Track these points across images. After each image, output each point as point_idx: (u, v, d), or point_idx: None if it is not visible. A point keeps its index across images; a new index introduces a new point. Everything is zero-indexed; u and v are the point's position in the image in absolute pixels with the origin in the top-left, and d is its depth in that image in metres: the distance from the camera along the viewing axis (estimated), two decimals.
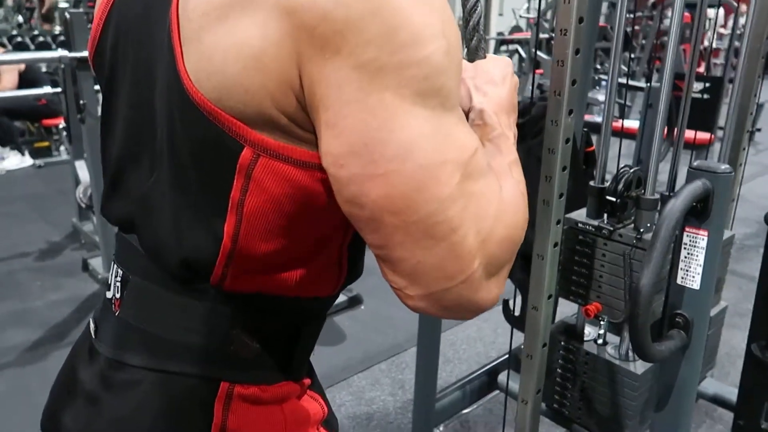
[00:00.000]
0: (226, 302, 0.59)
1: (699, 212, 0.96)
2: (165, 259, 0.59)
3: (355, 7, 0.46)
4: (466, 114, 0.67)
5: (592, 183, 1.31)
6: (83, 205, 3.39)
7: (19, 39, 7.22)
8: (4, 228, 3.84)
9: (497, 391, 1.86)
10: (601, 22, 7.80)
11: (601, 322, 1.41)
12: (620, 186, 1.18)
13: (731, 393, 1.67)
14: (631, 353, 1.32)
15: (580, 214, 1.32)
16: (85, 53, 2.74)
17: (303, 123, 0.51)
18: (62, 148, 5.52)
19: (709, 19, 7.45)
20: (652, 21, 7.12)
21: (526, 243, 1.34)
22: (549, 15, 8.58)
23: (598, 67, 7.02)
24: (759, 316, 1.38)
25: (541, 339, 1.32)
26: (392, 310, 2.83)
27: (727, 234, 1.63)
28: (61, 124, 5.05)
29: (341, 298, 2.86)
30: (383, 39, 0.46)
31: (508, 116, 0.69)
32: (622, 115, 2.00)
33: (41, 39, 7.41)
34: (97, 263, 3.11)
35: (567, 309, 1.58)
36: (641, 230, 1.17)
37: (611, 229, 1.22)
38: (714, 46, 7.87)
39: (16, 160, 5.16)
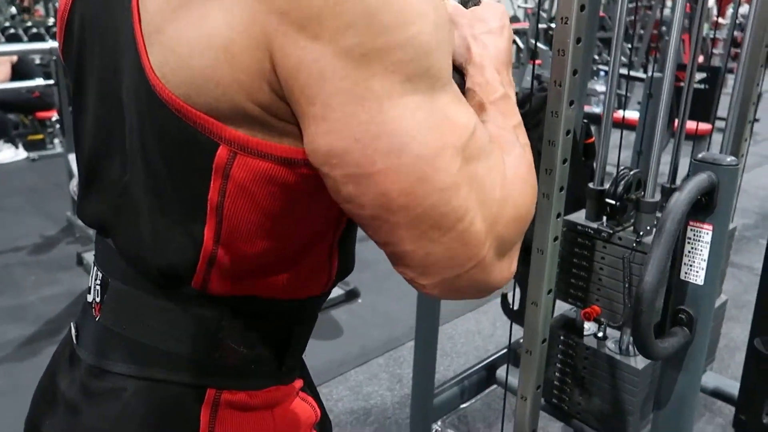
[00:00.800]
0: (210, 306, 0.56)
1: (704, 206, 0.93)
2: (143, 264, 0.56)
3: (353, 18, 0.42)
4: (464, 68, 0.62)
5: (591, 185, 1.28)
6: (77, 198, 3.36)
7: (12, 31, 7.15)
8: (5, 222, 3.81)
9: (496, 386, 1.85)
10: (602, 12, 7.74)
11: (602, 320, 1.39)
12: (620, 188, 1.16)
13: (731, 386, 1.65)
14: (631, 348, 1.30)
15: (579, 216, 1.30)
16: None
17: (283, 115, 0.47)
18: (56, 140, 5.47)
19: (709, 9, 7.41)
20: (651, 11, 7.08)
21: (526, 236, 1.32)
22: (547, 5, 8.52)
23: (596, 57, 6.98)
24: (762, 311, 1.37)
25: (541, 335, 1.30)
26: (390, 304, 2.81)
27: (732, 224, 1.60)
28: (55, 116, 5.01)
29: (338, 291, 2.84)
30: (364, 21, 0.43)
31: (508, 71, 0.65)
32: (622, 106, 1.98)
33: (35, 30, 7.35)
34: (91, 257, 3.07)
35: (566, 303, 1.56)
36: (641, 233, 1.15)
37: (610, 231, 1.19)
38: (713, 36, 7.83)
39: (9, 153, 5.11)
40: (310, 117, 0.45)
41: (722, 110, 1.75)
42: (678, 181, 1.21)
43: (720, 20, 8.44)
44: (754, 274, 2.91)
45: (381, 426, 2.09)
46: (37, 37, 7.17)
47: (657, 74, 2.03)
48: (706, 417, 2.12)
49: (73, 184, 3.37)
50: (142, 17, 0.50)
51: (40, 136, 5.56)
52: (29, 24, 8.01)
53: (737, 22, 7.01)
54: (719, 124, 1.76)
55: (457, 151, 0.46)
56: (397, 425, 2.09)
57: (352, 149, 0.44)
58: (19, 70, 4.96)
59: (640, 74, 5.05)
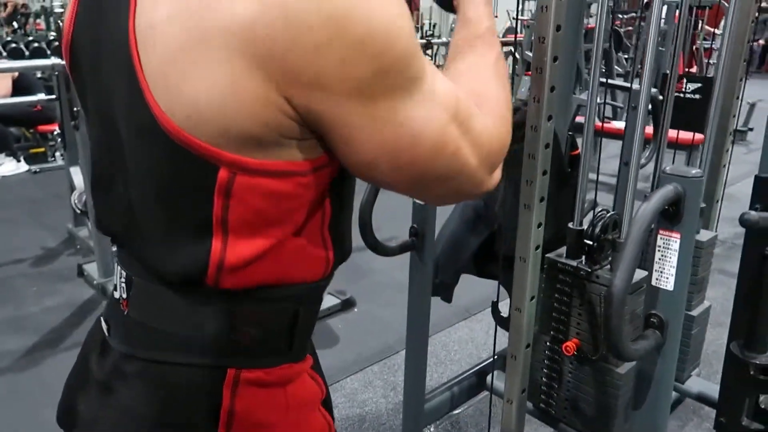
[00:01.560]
0: (223, 298, 0.62)
1: (671, 215, 0.98)
2: (158, 270, 0.62)
3: (319, 32, 0.48)
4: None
5: (570, 225, 1.32)
6: (78, 211, 3.40)
7: (13, 45, 7.23)
8: (5, 233, 3.86)
9: (486, 392, 1.89)
10: (593, 23, 7.79)
11: None
12: (597, 230, 1.21)
13: (716, 391, 1.70)
14: None
15: (560, 254, 1.34)
16: None
17: (290, 133, 0.54)
18: (57, 153, 5.53)
19: (702, 20, 7.49)
20: (644, 21, 7.15)
21: (511, 246, 1.36)
22: None
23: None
24: (737, 316, 1.41)
25: (525, 340, 1.35)
26: (385, 312, 2.85)
27: (709, 235, 1.66)
28: (56, 130, 5.07)
29: (334, 300, 2.89)
30: (357, 57, 0.50)
31: (490, 4, 0.75)
32: (616, 117, 2.02)
33: (36, 45, 7.42)
34: (92, 268, 3.13)
35: None
36: (592, 268, 1.20)
37: (588, 270, 1.24)
38: (708, 46, 7.91)
39: (11, 166, 5.17)
40: (337, 141, 0.56)
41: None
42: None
43: (715, 31, 8.54)
44: None
45: None
46: (39, 52, 7.25)
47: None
48: (693, 422, 2.16)
49: (74, 197, 3.42)
50: (141, 54, 0.54)
51: (42, 149, 5.63)
52: (31, 38, 8.12)
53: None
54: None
55: (453, 121, 0.58)
56: (391, 431, 2.13)
57: (379, 157, 0.56)
58: (21, 84, 5.03)
59: (623, 83, 5.12)
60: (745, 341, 1.40)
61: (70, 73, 0.70)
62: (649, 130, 3.13)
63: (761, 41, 12.34)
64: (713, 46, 8.25)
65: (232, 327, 0.62)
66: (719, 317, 2.41)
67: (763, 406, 1.30)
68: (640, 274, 1.12)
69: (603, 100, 2.46)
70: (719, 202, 1.98)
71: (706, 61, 6.86)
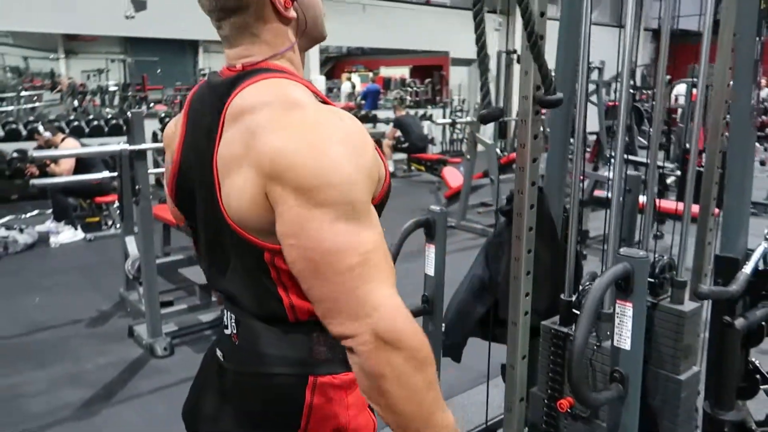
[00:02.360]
0: (302, 328, 0.90)
1: (624, 288, 1.23)
2: (255, 314, 0.93)
3: (300, 172, 0.78)
4: None
5: (562, 296, 1.58)
6: (131, 277, 3.76)
7: (75, 123, 7.94)
8: (59, 296, 4.24)
9: None
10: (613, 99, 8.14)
11: None
12: (578, 302, 1.46)
13: None
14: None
15: (554, 321, 1.58)
16: (143, 146, 3.18)
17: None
18: (111, 222, 6.00)
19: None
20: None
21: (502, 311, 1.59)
22: None
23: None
24: (709, 379, 1.61)
25: (519, 393, 1.57)
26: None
27: (692, 305, 1.87)
28: (115, 203, 5.55)
29: None
30: (314, 189, 0.78)
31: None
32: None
33: (95, 123, 8.13)
34: (142, 330, 3.44)
35: None
36: (601, 339, 1.43)
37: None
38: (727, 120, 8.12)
39: (69, 234, 5.64)
40: (280, 225, 0.80)
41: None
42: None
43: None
44: None
45: None
46: (97, 130, 7.94)
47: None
48: None
49: (128, 264, 3.79)
50: (218, 170, 0.87)
51: (97, 219, 6.11)
52: (91, 116, 8.86)
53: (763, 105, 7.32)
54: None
55: (358, 255, 0.77)
56: None
57: (307, 262, 0.79)
58: (82, 160, 5.57)
59: (640, 159, 5.36)
60: (715, 400, 1.60)
61: (175, 190, 1.02)
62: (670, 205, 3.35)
63: None
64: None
65: (310, 347, 0.90)
66: None
67: None
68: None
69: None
70: (707, 276, 2.18)
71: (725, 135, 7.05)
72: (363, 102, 12.53)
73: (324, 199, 0.77)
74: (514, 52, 11.46)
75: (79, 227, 5.77)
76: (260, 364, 0.92)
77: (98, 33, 10.13)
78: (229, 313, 0.98)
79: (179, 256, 4.00)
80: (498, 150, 6.08)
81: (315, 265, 0.78)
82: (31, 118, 8.41)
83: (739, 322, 1.52)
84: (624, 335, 1.25)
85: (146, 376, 3.10)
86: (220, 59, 11.77)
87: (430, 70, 14.00)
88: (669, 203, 1.99)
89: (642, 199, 2.10)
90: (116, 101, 12.84)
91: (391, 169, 9.57)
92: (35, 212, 6.55)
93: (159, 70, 13.43)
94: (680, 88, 7.94)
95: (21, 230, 5.37)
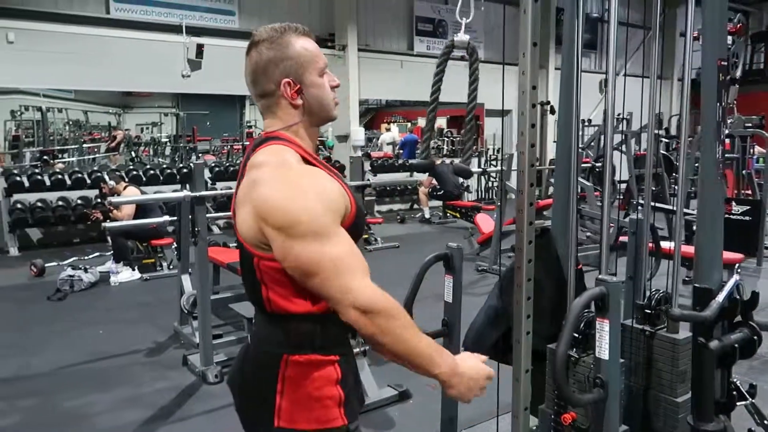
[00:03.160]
0: (278, 318, 1.26)
1: (601, 308, 1.50)
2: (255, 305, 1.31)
3: (278, 215, 1.16)
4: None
5: (564, 322, 1.84)
6: (186, 311, 4.14)
7: (134, 172, 8.58)
8: (119, 330, 4.65)
9: None
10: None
11: None
12: (582, 326, 1.73)
13: None
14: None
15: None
16: (203, 193, 3.61)
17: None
18: (164, 264, 6.48)
19: (753, 146, 7.86)
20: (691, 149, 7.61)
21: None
22: (594, 143, 9.24)
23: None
24: (692, 395, 1.83)
25: (522, 404, 1.83)
26: (438, 405, 3.28)
27: (686, 334, 2.10)
28: (173, 245, 6.04)
29: (392, 392, 3.36)
30: (287, 227, 1.15)
31: (450, 370, 1.24)
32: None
33: (151, 172, 8.76)
34: (195, 359, 3.79)
35: None
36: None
37: (577, 357, 1.75)
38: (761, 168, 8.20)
39: (127, 274, 6.12)
40: (276, 254, 1.19)
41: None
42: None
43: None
44: None
45: None
46: (154, 178, 8.55)
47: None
48: None
49: (184, 299, 4.18)
50: (236, 202, 1.27)
51: (152, 260, 6.60)
52: (148, 166, 9.52)
53: None
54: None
55: (332, 261, 1.15)
56: None
57: (294, 269, 1.18)
58: (142, 207, 6.10)
59: (667, 206, 5.54)
60: (696, 413, 1.82)
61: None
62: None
63: None
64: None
65: (287, 333, 1.25)
66: None
67: None
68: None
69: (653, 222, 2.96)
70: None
71: (757, 181, 7.14)
72: (401, 151, 12.99)
73: (296, 232, 1.15)
74: (548, 102, 11.81)
75: (136, 268, 6.25)
76: (258, 342, 1.32)
77: (155, 90, 10.90)
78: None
79: (227, 293, 4.37)
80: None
81: (304, 273, 1.17)
82: (95, 168, 9.09)
83: (714, 344, 1.75)
84: (603, 347, 1.52)
85: (199, 400, 3.43)
86: None
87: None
88: (665, 244, 2.24)
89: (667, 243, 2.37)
90: (167, 151, 13.69)
91: (426, 215, 9.90)
92: (96, 254, 7.09)
93: (208, 123, 14.24)
94: None
95: (85, 270, 5.87)
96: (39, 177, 7.99)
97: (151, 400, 3.42)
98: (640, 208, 2.27)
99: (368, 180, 4.15)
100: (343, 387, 1.28)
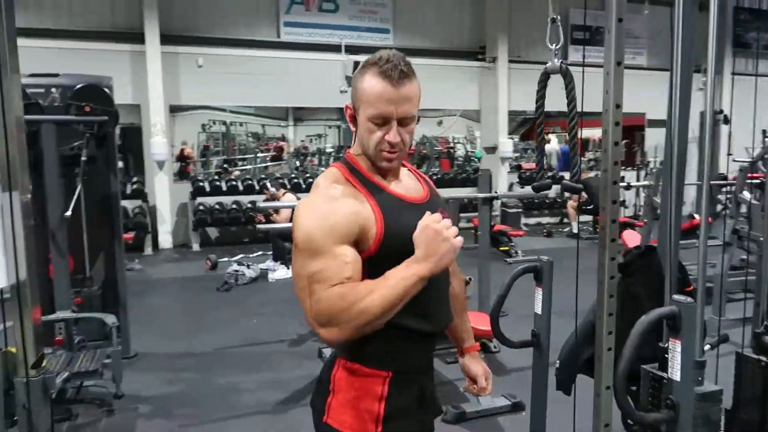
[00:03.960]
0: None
1: (674, 327, 1.49)
2: None
3: (293, 229, 1.28)
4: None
5: (660, 344, 1.81)
6: None
7: (295, 180, 9.43)
8: (270, 321, 5.22)
9: None
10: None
11: None
12: None
13: None
14: None
15: (654, 366, 1.81)
16: None
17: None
18: None
19: None
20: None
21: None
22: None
23: None
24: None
25: (603, 419, 1.84)
26: (552, 416, 3.27)
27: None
28: None
29: (505, 402, 3.41)
30: (295, 241, 1.26)
31: (416, 265, 1.23)
32: None
33: (310, 180, 9.57)
34: (327, 351, 4.16)
35: None
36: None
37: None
38: None
39: (283, 272, 6.79)
40: None
41: None
42: None
43: None
44: None
45: None
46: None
47: None
48: None
49: None
50: None
51: None
52: (307, 174, 10.39)
53: None
54: None
55: (305, 279, 1.22)
56: None
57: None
58: None
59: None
60: None
61: None
62: None
63: None
64: None
65: (345, 342, 1.27)
66: None
67: None
68: None
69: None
70: None
71: None
72: (554, 164, 12.66)
73: (299, 249, 1.25)
74: (721, 112, 10.77)
75: (290, 267, 6.90)
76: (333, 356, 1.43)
77: (316, 105, 11.81)
78: None
79: None
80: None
81: (295, 285, 1.26)
82: (264, 176, 10.15)
83: None
84: (675, 368, 1.51)
85: None
86: (424, 124, 12.73)
87: (632, 131, 13.62)
88: None
89: None
90: (331, 161, 14.72)
91: (575, 230, 9.55)
92: (259, 253, 7.95)
93: None
94: None
95: (248, 266, 6.64)
96: (218, 183, 9.15)
97: (288, 384, 3.84)
98: None
99: (496, 192, 4.23)
100: (386, 405, 1.30)
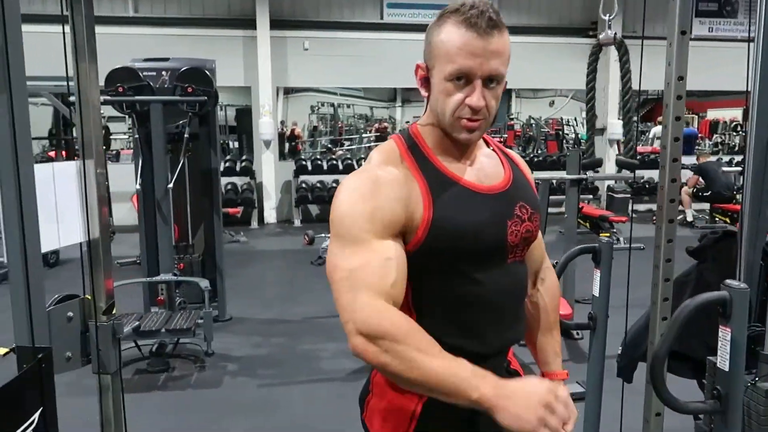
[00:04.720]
0: None
1: (724, 314, 1.39)
2: None
3: (332, 209, 1.07)
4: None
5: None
6: None
7: (332, 162, 9.58)
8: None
9: None
10: None
11: None
12: None
13: None
14: None
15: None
16: None
17: None
18: None
19: None
20: None
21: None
22: None
23: None
24: None
25: (654, 409, 1.76)
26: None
27: None
28: None
29: (578, 389, 3.30)
30: (331, 223, 1.06)
31: (490, 391, 0.91)
32: None
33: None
34: None
35: None
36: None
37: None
38: None
39: None
40: None
41: None
42: None
43: None
44: None
45: None
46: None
47: None
48: None
49: None
50: None
51: None
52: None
53: None
54: None
55: (345, 272, 1.00)
56: None
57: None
58: None
59: None
60: None
61: None
62: None
63: None
64: None
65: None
66: None
67: None
68: None
69: None
70: None
71: None
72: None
73: (333, 231, 1.06)
74: None
75: None
76: None
77: (412, 85, 11.75)
78: None
79: None
80: None
81: (327, 274, 1.05)
82: (363, 156, 10.40)
83: None
84: (723, 357, 1.41)
85: None
86: (530, 104, 12.46)
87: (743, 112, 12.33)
88: None
89: None
90: None
91: (689, 218, 8.87)
92: None
93: None
94: None
95: None
96: (319, 162, 9.50)
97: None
98: None
99: (585, 175, 4.06)
100: (417, 427, 1.12)
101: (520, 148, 13.24)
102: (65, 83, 1.51)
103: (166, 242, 4.09)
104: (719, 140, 13.46)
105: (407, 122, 16.35)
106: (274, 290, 5.67)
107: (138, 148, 4.29)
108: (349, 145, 14.10)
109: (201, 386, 3.55)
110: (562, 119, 14.78)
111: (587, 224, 7.72)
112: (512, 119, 15.55)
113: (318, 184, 9.25)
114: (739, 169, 9.22)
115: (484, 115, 1.07)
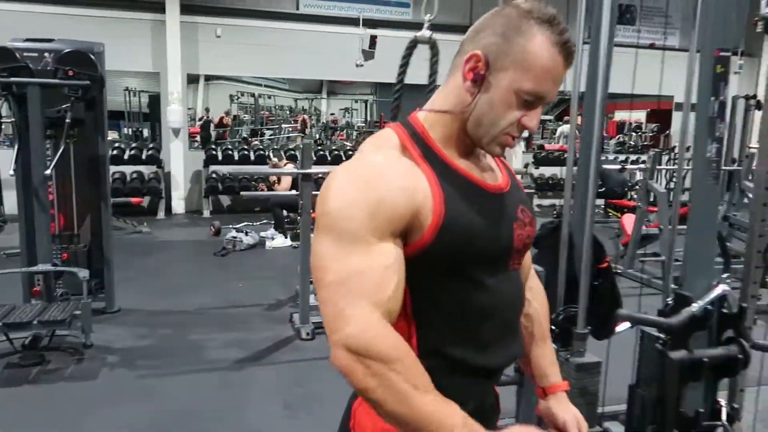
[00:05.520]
0: None
1: None
2: None
3: (318, 201, 0.93)
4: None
5: None
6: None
7: (321, 153, 9.52)
8: (255, 286, 5.39)
9: None
10: None
11: None
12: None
13: None
14: None
15: None
16: (310, 170, 4.05)
17: None
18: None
19: None
20: None
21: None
22: None
23: None
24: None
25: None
26: None
27: None
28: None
29: None
30: (318, 215, 0.91)
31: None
32: None
33: (336, 153, 9.66)
34: (297, 317, 4.29)
35: None
36: None
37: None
38: None
39: (280, 241, 6.96)
40: None
41: None
42: None
43: None
44: None
45: None
46: (338, 159, 9.42)
47: None
48: None
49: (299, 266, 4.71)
50: None
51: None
52: (334, 147, 10.49)
53: None
54: None
55: (338, 275, 0.87)
56: None
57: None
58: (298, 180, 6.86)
59: None
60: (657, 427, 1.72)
61: None
62: None
63: None
64: None
65: None
66: None
67: None
68: None
69: None
70: None
71: None
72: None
73: (323, 224, 0.90)
74: (754, 97, 10.38)
75: (288, 236, 7.07)
76: None
77: (329, 78, 11.78)
78: None
79: None
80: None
81: (313, 274, 0.92)
82: (276, 147, 10.32)
83: (678, 354, 1.62)
84: None
85: (289, 351, 3.92)
86: None
87: (668, 115, 13.23)
88: None
89: None
90: (355, 136, 14.84)
91: None
92: (264, 221, 8.13)
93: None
94: None
95: (246, 233, 6.82)
96: (230, 152, 9.35)
97: (253, 345, 3.99)
98: None
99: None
100: None
101: None
102: None
103: (43, 231, 3.94)
104: (622, 140, 14.27)
105: (332, 114, 16.34)
106: (170, 281, 5.57)
107: (15, 132, 4.09)
108: (270, 135, 13.94)
109: (76, 379, 3.46)
110: None
111: None
112: None
113: (228, 175, 9.11)
114: (637, 167, 9.87)
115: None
